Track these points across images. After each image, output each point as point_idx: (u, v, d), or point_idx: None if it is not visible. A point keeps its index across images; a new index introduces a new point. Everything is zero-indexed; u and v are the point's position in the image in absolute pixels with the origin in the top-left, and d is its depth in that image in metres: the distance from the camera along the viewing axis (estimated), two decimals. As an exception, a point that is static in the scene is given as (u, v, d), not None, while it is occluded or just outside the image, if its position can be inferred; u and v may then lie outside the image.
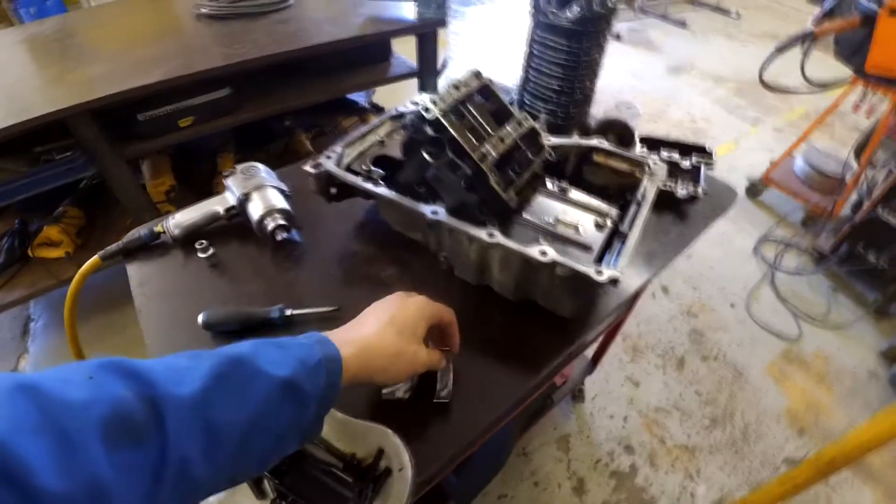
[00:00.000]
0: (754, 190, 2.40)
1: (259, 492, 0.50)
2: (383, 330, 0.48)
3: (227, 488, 0.37)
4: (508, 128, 0.64)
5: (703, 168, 0.92)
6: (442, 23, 1.65)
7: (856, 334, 1.84)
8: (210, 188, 1.74)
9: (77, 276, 0.77)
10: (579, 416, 1.56)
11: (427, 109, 0.56)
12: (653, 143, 0.97)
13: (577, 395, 1.56)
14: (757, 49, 3.88)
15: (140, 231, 0.77)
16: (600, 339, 1.36)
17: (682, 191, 0.86)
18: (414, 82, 1.85)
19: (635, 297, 0.84)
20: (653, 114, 3.06)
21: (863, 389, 1.67)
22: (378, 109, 2.14)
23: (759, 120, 3.06)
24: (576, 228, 0.63)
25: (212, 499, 0.49)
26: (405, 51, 1.94)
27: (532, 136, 0.68)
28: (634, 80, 3.39)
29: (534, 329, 0.66)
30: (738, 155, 2.74)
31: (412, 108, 0.79)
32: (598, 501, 1.38)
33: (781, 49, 1.86)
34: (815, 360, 1.76)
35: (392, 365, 0.47)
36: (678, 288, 1.98)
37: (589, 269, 0.53)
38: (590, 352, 1.44)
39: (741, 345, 1.79)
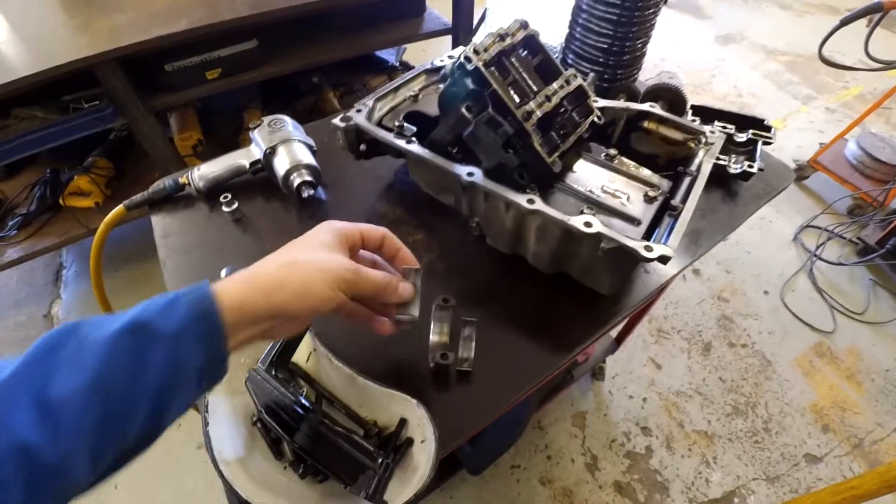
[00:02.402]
0: (800, 173, 2.26)
1: (277, 453, 0.49)
2: (274, 254, 0.41)
3: (110, 472, 0.32)
4: (555, 85, 0.58)
5: (759, 143, 0.85)
6: (480, -24, 1.55)
7: (894, 332, 1.75)
8: (236, 144, 1.73)
9: (102, 225, 0.77)
10: (598, 393, 1.54)
11: (468, 59, 0.51)
12: (706, 114, 0.89)
13: (598, 372, 1.53)
14: (813, 21, 3.58)
15: (165, 182, 0.75)
16: (626, 319, 1.32)
17: (735, 166, 0.79)
18: (447, 41, 1.77)
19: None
20: (696, 85, 2.88)
21: (894, 390, 1.59)
22: (408, 69, 2.07)
23: (810, 98, 2.85)
24: (623, 199, 0.58)
25: (230, 456, 0.48)
26: (439, 6, 1.84)
27: (579, 97, 0.62)
28: (679, 48, 3.18)
29: (567, 305, 0.62)
30: (786, 134, 2.57)
31: (448, 61, 0.73)
32: (611, 480, 1.37)
33: (846, 21, 1.70)
34: (848, 356, 1.68)
35: (290, 275, 0.38)
36: (711, 270, 1.90)
37: (638, 245, 0.48)
38: (614, 331, 1.40)
39: (772, 334, 1.72)
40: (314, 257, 0.40)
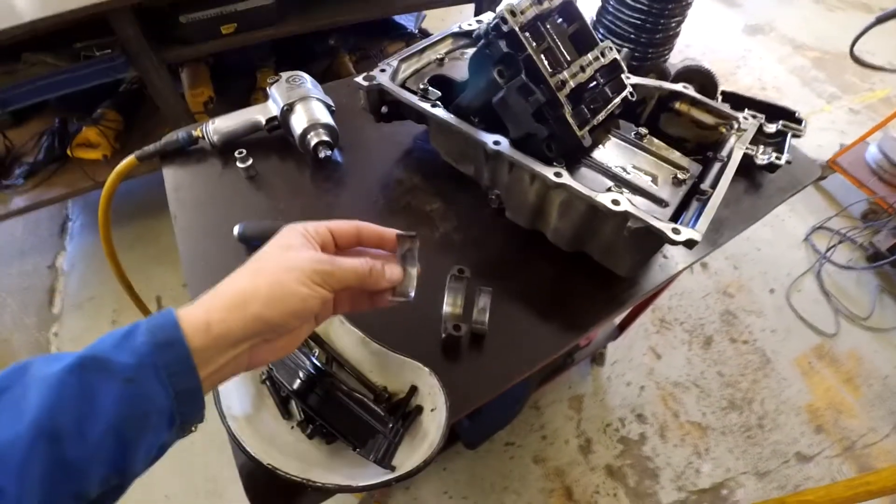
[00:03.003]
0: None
1: (285, 413, 0.49)
2: (240, 268, 0.36)
3: None
4: (589, 56, 0.56)
5: (789, 135, 0.82)
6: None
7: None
8: (248, 103, 1.67)
9: (113, 175, 0.75)
10: (596, 378, 1.55)
11: (504, 20, 0.49)
12: (736, 101, 0.86)
13: (598, 358, 1.53)
14: (845, 17, 3.46)
15: (178, 134, 0.73)
16: (632, 306, 1.32)
17: (762, 157, 0.77)
18: (468, 10, 1.71)
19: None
20: (720, 75, 2.76)
21: (891, 397, 1.59)
22: (426, 37, 2.01)
23: (835, 97, 2.78)
24: (650, 180, 0.56)
25: (238, 412, 0.48)
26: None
27: (613, 71, 0.60)
28: (706, 35, 3.08)
29: (583, 285, 0.62)
30: (807, 132, 2.51)
31: (477, 25, 0.71)
32: (603, 463, 1.39)
33: (882, 19, 1.63)
34: (848, 360, 1.68)
35: (257, 283, 0.33)
36: (718, 265, 1.89)
37: (665, 227, 0.47)
38: (617, 318, 1.40)
39: (774, 332, 1.72)
40: (281, 257, 0.35)
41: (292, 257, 0.35)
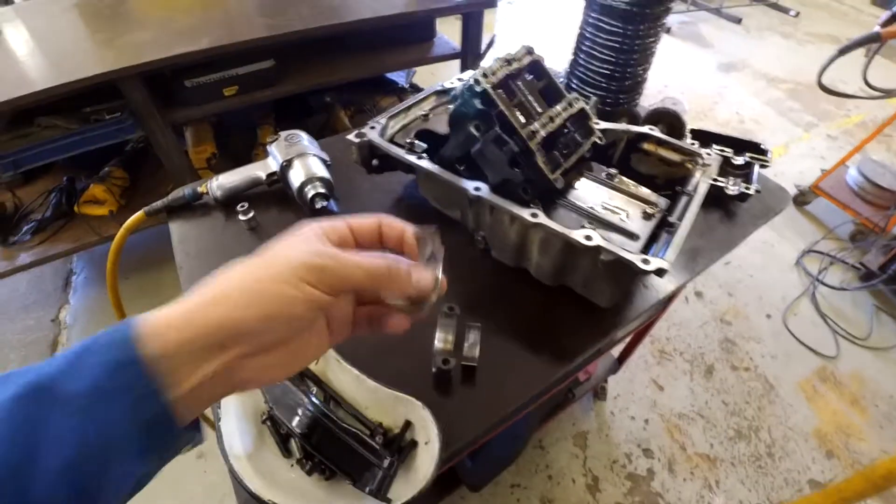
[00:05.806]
0: (802, 198, 2.29)
1: (285, 451, 0.51)
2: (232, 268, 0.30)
3: None
4: (558, 107, 0.62)
5: (756, 166, 0.88)
6: (490, 3, 1.62)
7: (898, 358, 1.75)
8: (249, 158, 1.77)
9: (122, 230, 0.80)
10: (599, 414, 1.54)
11: (477, 81, 0.55)
12: (704, 138, 0.92)
13: (600, 392, 1.53)
14: (815, 50, 3.67)
15: (184, 190, 0.78)
16: (629, 338, 1.33)
17: (733, 188, 0.82)
18: (455, 64, 1.83)
19: (670, 298, 0.81)
20: (699, 111, 2.94)
21: (900, 416, 1.58)
22: (417, 91, 2.13)
23: (812, 125, 2.91)
24: (622, 216, 0.60)
25: (239, 451, 0.50)
26: (448, 31, 1.91)
27: (582, 119, 0.65)
28: (682, 75, 3.26)
29: (568, 317, 0.65)
30: (788, 160, 2.61)
31: (458, 83, 0.77)
32: (612, 502, 1.36)
33: (844, 50, 1.74)
34: (851, 381, 1.68)
35: (231, 279, 0.29)
36: (713, 293, 1.92)
37: (635, 258, 0.50)
38: (616, 350, 1.41)
39: (775, 357, 1.72)
40: (270, 252, 0.30)
41: (283, 249, 0.30)
